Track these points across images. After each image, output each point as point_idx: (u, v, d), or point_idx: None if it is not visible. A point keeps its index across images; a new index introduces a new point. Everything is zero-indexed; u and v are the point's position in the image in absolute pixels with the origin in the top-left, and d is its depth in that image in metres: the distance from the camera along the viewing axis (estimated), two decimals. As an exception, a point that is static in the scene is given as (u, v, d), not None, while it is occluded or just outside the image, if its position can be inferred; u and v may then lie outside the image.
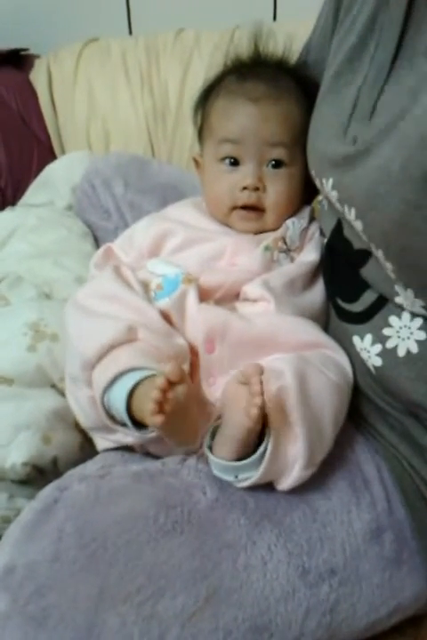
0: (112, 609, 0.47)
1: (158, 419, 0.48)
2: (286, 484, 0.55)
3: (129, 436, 0.58)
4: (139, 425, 0.55)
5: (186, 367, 0.59)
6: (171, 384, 0.50)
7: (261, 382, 0.50)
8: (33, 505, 0.54)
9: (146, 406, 0.49)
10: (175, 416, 0.50)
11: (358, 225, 0.55)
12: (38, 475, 0.64)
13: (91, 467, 0.59)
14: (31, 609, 0.46)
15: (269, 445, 0.52)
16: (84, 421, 0.64)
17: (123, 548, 0.50)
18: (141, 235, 0.75)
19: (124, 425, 0.57)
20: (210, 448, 0.56)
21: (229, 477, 0.55)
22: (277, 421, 0.54)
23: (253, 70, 0.72)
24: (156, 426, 0.49)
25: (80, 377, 0.60)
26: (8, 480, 0.64)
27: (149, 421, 0.51)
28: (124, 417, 0.54)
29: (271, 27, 0.76)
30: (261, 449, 0.53)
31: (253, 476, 0.54)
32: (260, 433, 0.53)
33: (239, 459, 0.53)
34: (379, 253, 0.54)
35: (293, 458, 0.54)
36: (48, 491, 0.55)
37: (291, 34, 0.75)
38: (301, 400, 0.54)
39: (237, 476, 0.55)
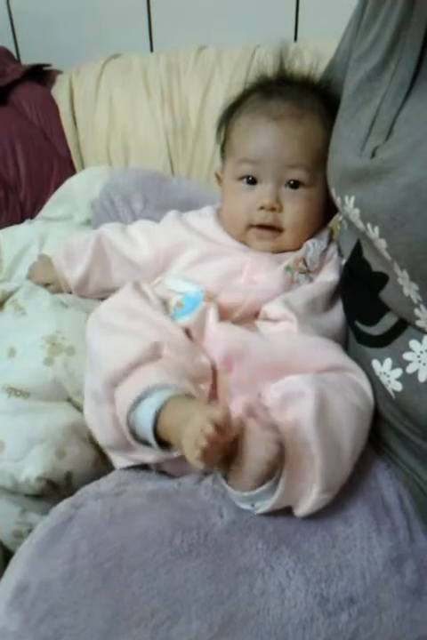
0: (126, 632, 0.46)
1: (201, 464, 0.47)
2: (303, 509, 0.54)
3: (149, 455, 0.58)
4: (163, 443, 0.54)
5: (207, 387, 0.59)
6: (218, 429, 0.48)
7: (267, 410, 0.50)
8: (47, 522, 0.53)
9: (187, 445, 0.48)
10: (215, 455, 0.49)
11: (382, 243, 0.54)
12: (52, 489, 0.64)
13: (106, 484, 0.59)
14: (44, 630, 0.45)
15: (283, 471, 0.51)
16: (105, 439, 0.63)
17: (138, 570, 0.49)
18: (163, 233, 0.75)
19: (146, 443, 0.56)
20: (225, 477, 0.54)
21: (246, 506, 0.54)
22: (294, 446, 0.52)
23: (277, 88, 0.71)
24: (197, 468, 0.49)
25: (102, 394, 0.59)
26: (21, 494, 0.64)
27: (190, 460, 0.49)
28: (150, 436, 0.54)
29: (297, 45, 0.76)
30: (275, 475, 0.51)
31: (268, 503, 0.52)
32: None
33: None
34: (404, 274, 0.53)
35: (310, 482, 0.53)
36: (62, 508, 0.54)
37: (317, 52, 0.75)
38: (318, 423, 0.53)
39: (254, 505, 0.54)
